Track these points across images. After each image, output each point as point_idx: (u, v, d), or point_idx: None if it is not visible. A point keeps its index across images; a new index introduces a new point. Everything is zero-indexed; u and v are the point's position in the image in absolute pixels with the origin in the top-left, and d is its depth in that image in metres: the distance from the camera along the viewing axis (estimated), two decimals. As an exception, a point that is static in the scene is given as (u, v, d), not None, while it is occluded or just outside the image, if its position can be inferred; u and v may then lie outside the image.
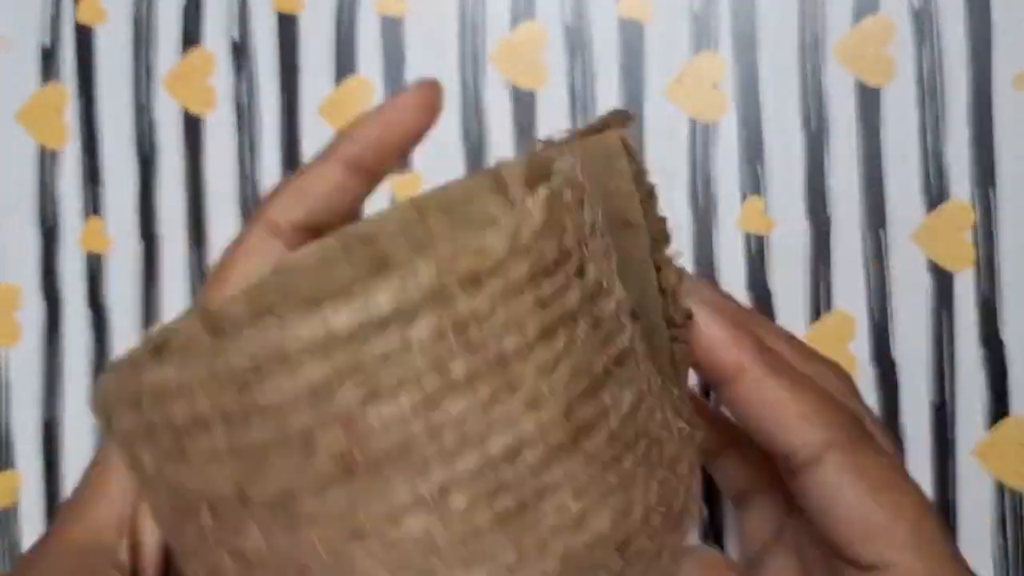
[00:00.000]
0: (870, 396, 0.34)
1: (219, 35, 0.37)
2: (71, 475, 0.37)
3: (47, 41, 0.38)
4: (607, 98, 0.36)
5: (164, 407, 0.15)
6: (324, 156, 0.23)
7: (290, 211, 0.23)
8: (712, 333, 0.22)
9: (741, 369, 0.22)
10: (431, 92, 0.23)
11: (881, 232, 0.35)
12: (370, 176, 0.24)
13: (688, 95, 0.35)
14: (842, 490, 0.21)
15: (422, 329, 0.14)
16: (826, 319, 0.35)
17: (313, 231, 0.23)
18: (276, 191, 0.24)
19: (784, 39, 0.35)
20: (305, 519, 0.15)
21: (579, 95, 0.36)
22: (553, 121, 0.36)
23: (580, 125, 0.35)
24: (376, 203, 0.37)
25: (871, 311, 0.35)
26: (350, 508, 0.15)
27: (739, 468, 0.27)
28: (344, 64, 0.37)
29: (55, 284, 0.38)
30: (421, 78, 0.24)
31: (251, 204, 0.37)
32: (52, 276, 0.38)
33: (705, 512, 0.35)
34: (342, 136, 0.23)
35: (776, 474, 0.23)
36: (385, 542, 0.15)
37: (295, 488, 0.15)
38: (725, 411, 0.25)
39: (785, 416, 0.21)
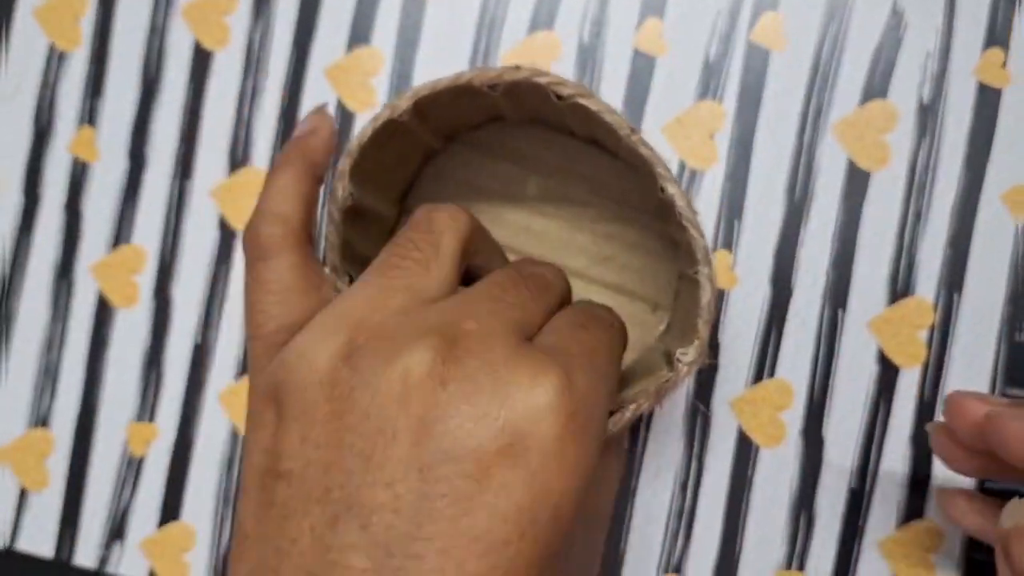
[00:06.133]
0: (792, 469, 0.35)
1: (246, -23, 0.38)
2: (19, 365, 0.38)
3: (80, -55, 0.38)
4: (605, 122, 0.36)
5: None
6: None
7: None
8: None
9: None
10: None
11: (840, 312, 0.35)
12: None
13: (684, 137, 0.36)
14: None
15: None
16: (766, 384, 0.35)
17: None
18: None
19: (788, 104, 0.35)
20: None
21: (579, 113, 0.36)
22: (548, 133, 0.36)
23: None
24: (359, 174, 0.37)
25: (811, 386, 0.35)
26: None
27: None
28: (359, 32, 0.37)
29: (37, 182, 0.38)
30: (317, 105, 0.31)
31: (241, 147, 0.37)
32: (36, 174, 0.38)
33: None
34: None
35: None
36: None
37: None
38: None
39: None
